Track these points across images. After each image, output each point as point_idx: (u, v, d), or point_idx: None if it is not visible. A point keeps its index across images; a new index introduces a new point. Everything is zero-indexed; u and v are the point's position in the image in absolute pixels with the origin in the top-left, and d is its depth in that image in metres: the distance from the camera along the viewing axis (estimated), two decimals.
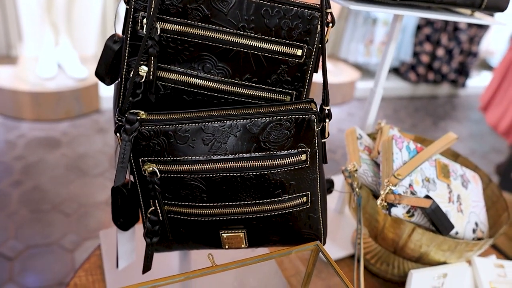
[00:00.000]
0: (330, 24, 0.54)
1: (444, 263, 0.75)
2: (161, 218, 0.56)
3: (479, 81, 4.45)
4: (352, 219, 0.97)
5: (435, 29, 3.72)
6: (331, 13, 0.54)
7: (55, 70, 2.56)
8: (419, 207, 0.67)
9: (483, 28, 3.85)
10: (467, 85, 4.19)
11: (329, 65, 3.49)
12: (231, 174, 0.53)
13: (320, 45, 0.55)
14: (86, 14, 2.71)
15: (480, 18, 0.80)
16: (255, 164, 0.52)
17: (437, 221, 0.67)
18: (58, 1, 2.46)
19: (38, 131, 2.39)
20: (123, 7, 0.55)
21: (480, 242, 0.70)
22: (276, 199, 0.55)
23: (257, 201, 0.55)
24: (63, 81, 2.53)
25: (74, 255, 1.65)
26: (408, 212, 0.68)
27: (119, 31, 0.57)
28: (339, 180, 1.01)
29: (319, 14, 0.53)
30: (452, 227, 0.69)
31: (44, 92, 2.41)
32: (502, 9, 0.79)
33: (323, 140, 0.56)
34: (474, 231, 0.77)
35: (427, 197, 0.68)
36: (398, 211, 0.67)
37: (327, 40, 0.55)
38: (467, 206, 0.77)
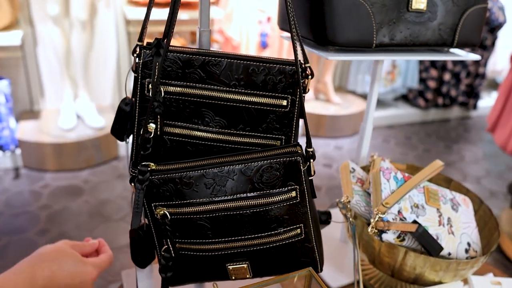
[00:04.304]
0: (310, 76, 0.63)
1: (440, 283, 0.80)
2: (173, 254, 0.64)
3: (490, 102, 4.47)
4: None
5: None
6: (309, 67, 0.63)
7: (75, 121, 2.71)
8: (408, 231, 0.73)
9: (487, 49, 3.92)
10: (478, 107, 4.23)
11: (337, 97, 3.58)
12: (231, 213, 0.61)
13: (303, 95, 0.64)
14: (102, 69, 2.88)
15: (456, 54, 0.88)
16: (251, 203, 0.60)
17: (426, 244, 0.73)
18: (75, 57, 2.62)
19: (61, 180, 2.51)
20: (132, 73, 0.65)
21: (472, 261, 0.76)
22: (272, 232, 0.62)
23: (256, 235, 0.62)
24: (83, 131, 2.66)
25: None
26: (398, 237, 0.74)
27: (130, 95, 0.66)
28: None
29: (300, 69, 0.62)
30: (441, 248, 0.75)
31: (66, 142, 2.54)
32: (474, 44, 0.87)
33: (310, 178, 0.63)
34: (466, 251, 0.82)
35: (415, 222, 0.75)
36: (389, 237, 0.74)
37: (308, 90, 0.64)
38: (458, 228, 0.83)
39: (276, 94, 0.63)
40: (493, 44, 3.88)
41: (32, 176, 2.53)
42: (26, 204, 2.26)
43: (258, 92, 0.62)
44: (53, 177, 2.53)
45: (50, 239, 2.00)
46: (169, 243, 0.63)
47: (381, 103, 3.97)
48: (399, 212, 0.76)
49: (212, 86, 0.62)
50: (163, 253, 0.64)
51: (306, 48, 0.78)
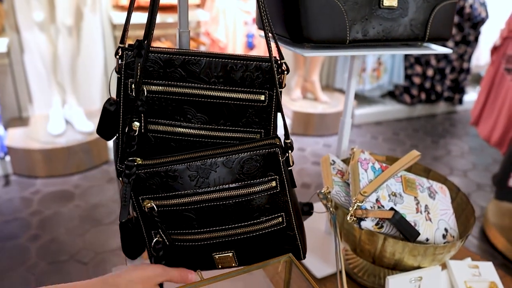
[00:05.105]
0: (285, 72, 0.66)
1: (419, 267, 0.83)
2: (167, 243, 0.67)
3: (475, 96, 4.52)
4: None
5: None
6: (285, 62, 0.66)
7: (64, 126, 2.72)
8: (386, 218, 0.77)
9: (470, 45, 3.98)
10: (464, 101, 4.29)
11: (325, 96, 3.63)
12: (215, 203, 0.64)
13: (280, 89, 0.67)
14: (89, 74, 2.90)
15: (429, 48, 0.92)
16: (233, 193, 0.63)
17: (403, 230, 0.77)
18: (62, 63, 2.64)
19: (51, 186, 2.52)
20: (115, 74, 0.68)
21: (448, 245, 0.79)
22: (255, 221, 0.65)
23: (240, 224, 0.65)
24: (72, 136, 2.68)
25: None
26: (377, 224, 0.78)
27: (114, 95, 0.69)
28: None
29: (276, 65, 0.65)
30: (417, 234, 0.78)
31: (55, 148, 2.55)
32: (445, 38, 0.90)
33: (289, 168, 0.66)
34: (444, 236, 0.85)
35: (392, 209, 0.78)
36: (368, 224, 0.77)
37: (285, 85, 0.67)
38: (435, 214, 0.86)
39: (254, 90, 0.66)
40: (476, 39, 3.94)
41: (23, 182, 2.54)
42: (17, 210, 2.27)
43: (237, 88, 0.65)
44: (44, 183, 2.54)
45: (41, 245, 2.01)
46: (161, 233, 0.66)
47: (368, 100, 4.02)
48: (377, 200, 0.79)
49: (193, 84, 0.65)
50: (153, 244, 0.67)
51: (283, 46, 0.81)
